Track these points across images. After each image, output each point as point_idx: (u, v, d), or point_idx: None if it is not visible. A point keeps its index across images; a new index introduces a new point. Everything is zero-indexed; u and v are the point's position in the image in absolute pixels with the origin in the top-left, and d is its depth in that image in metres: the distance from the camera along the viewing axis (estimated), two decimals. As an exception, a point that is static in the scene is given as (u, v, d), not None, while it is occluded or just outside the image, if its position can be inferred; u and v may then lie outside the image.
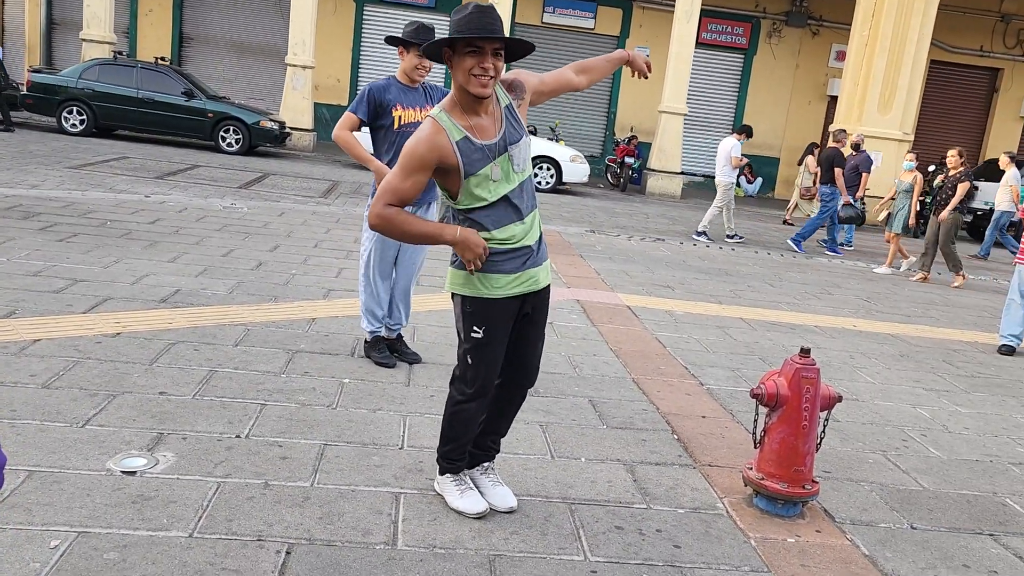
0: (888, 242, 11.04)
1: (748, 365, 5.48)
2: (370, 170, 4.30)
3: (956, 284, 10.30)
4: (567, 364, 4.98)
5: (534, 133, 17.44)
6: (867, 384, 5.40)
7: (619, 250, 9.89)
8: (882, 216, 11.54)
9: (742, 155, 11.96)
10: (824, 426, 3.36)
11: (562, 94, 3.13)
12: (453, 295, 2.88)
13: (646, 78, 3.32)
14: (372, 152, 4.38)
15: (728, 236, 12.09)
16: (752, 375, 5.23)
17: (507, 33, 18.02)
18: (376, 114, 4.34)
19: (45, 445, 3.09)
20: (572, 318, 6.16)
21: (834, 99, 19.95)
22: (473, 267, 2.73)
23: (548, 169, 16.07)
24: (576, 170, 16.19)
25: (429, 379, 4.40)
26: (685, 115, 18.03)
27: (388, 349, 4.67)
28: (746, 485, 3.34)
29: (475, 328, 2.81)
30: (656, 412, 4.32)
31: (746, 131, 12.31)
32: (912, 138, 17.61)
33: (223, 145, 15.60)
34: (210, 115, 15.50)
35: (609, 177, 18.80)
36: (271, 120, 15.91)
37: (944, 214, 10.12)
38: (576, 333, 5.74)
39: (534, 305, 2.90)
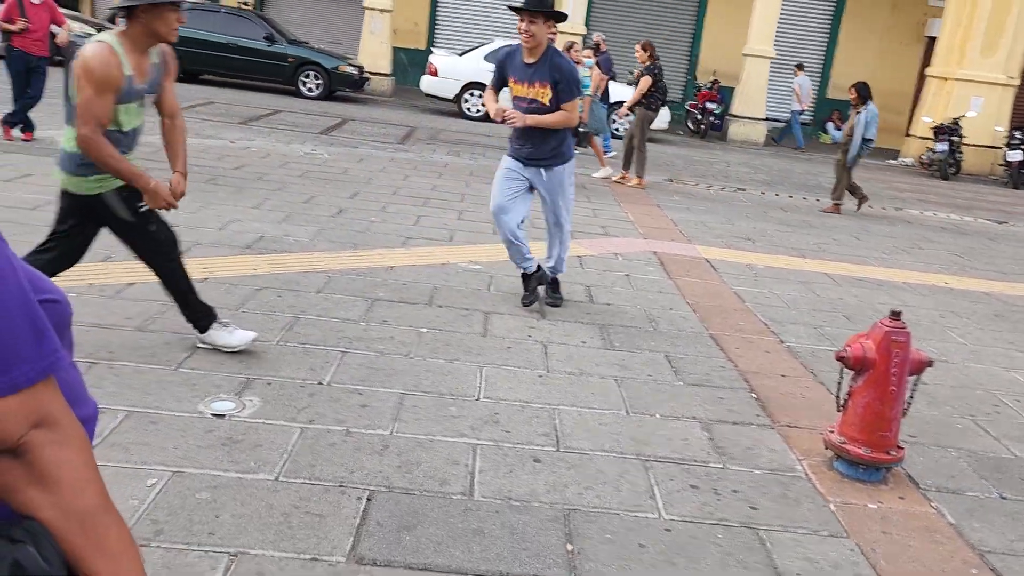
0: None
1: (831, 323, 5.32)
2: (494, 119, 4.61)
3: (631, 184, 10.04)
4: (643, 318, 4.93)
5: (612, 79, 17.02)
6: (958, 345, 5.19)
7: (698, 199, 9.67)
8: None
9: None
10: (913, 391, 3.25)
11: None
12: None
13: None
14: None
15: None
16: (835, 333, 5.09)
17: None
18: (503, 82, 4.76)
19: (141, 387, 3.24)
20: (649, 270, 6.08)
21: (932, 41, 18.82)
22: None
23: (627, 116, 15.69)
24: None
25: (506, 330, 4.43)
26: (772, 59, 17.31)
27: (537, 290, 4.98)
28: (827, 448, 3.27)
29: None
30: (734, 369, 4.25)
31: None
32: (1017, 83, 16.55)
33: (303, 90, 15.75)
34: (291, 60, 15.65)
35: (689, 124, 18.24)
36: (350, 65, 15.95)
37: (622, 111, 10.46)
38: (653, 286, 5.67)
39: None
